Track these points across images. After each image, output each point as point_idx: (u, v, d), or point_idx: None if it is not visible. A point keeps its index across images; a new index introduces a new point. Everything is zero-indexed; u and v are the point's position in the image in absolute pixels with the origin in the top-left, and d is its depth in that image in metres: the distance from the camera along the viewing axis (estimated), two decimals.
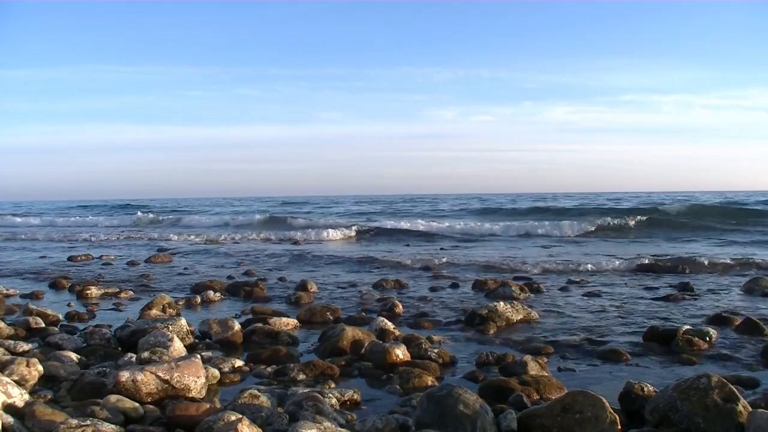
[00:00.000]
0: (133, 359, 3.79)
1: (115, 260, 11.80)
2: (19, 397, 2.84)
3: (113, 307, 6.61)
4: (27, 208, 45.94)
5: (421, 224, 19.63)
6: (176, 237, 17.75)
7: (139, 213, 28.49)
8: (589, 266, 9.38)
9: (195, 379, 3.24)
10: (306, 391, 3.14)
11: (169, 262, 11.31)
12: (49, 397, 3.20)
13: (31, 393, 3.10)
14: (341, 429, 2.60)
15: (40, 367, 3.43)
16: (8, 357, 3.56)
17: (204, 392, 3.30)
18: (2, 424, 2.54)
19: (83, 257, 12.05)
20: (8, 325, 4.88)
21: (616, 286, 7.60)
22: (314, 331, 5.21)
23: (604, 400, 2.70)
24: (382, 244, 15.19)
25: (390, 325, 4.99)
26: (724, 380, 2.80)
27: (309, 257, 11.56)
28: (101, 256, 12.46)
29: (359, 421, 2.81)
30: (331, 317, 5.78)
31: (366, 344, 4.34)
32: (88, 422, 2.50)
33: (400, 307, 6.11)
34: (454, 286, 7.91)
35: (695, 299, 6.64)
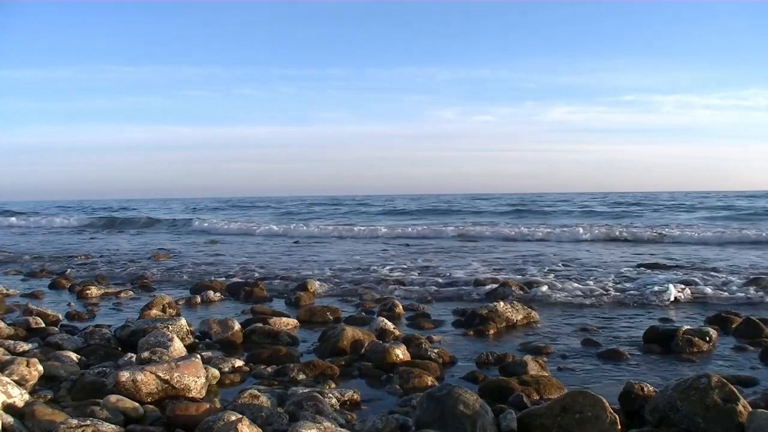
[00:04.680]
0: (133, 359, 3.79)
1: (115, 259, 11.80)
2: (19, 397, 2.84)
3: (113, 307, 6.61)
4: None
5: None
6: None
7: None
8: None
9: (195, 379, 3.24)
10: (306, 391, 3.13)
11: (169, 262, 11.30)
12: (49, 397, 3.20)
13: (31, 393, 3.10)
14: (341, 429, 2.60)
15: (40, 367, 3.43)
16: (8, 357, 3.55)
17: (204, 392, 3.30)
18: (2, 424, 2.54)
19: (83, 256, 12.06)
20: (8, 325, 4.87)
21: (616, 286, 7.59)
22: (314, 331, 5.21)
23: (604, 400, 2.70)
24: None
25: (390, 325, 5.00)
26: (724, 380, 2.80)
27: None
28: (102, 255, 12.46)
29: (359, 421, 2.81)
30: (331, 317, 5.78)
31: (366, 344, 4.34)
32: (88, 422, 2.50)
33: (400, 307, 6.11)
34: (455, 285, 7.91)
35: (695, 298, 6.64)
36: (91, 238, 19.00)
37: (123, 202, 62.03)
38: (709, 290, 6.96)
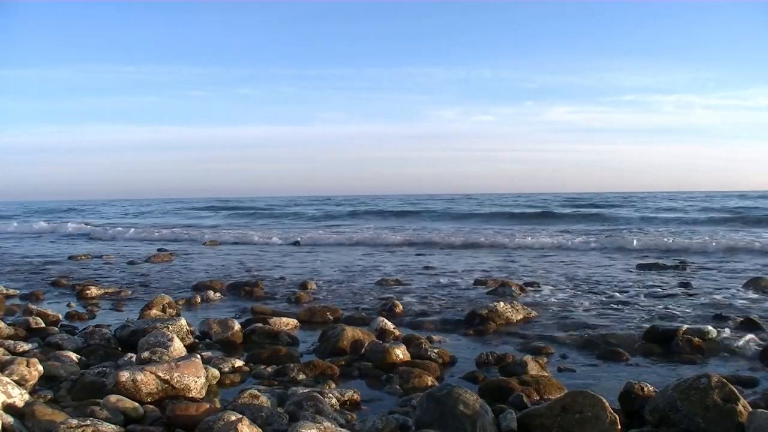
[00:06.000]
0: (133, 359, 3.79)
1: (115, 259, 11.80)
2: (19, 397, 2.84)
3: (113, 307, 6.61)
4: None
5: None
6: None
7: None
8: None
9: (195, 379, 3.24)
10: (306, 391, 3.14)
11: (169, 262, 11.31)
12: (49, 397, 3.20)
13: (31, 393, 3.10)
14: (341, 429, 2.60)
15: (40, 367, 3.43)
16: (8, 357, 3.56)
17: (204, 392, 3.30)
18: (2, 424, 2.54)
19: (84, 256, 12.06)
20: (8, 325, 4.87)
21: (616, 286, 7.60)
22: (314, 331, 5.21)
23: (604, 400, 2.70)
24: None
25: (390, 325, 5.00)
26: (724, 380, 2.80)
27: None
28: (102, 255, 12.47)
29: (359, 421, 2.81)
30: (331, 317, 5.78)
31: (366, 344, 4.34)
32: (88, 422, 2.50)
33: (400, 307, 6.11)
34: (455, 285, 7.91)
35: (695, 298, 6.64)
36: None
37: (118, 203, 61.98)
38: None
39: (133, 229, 20.68)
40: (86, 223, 24.98)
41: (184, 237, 18.36)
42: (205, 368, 3.49)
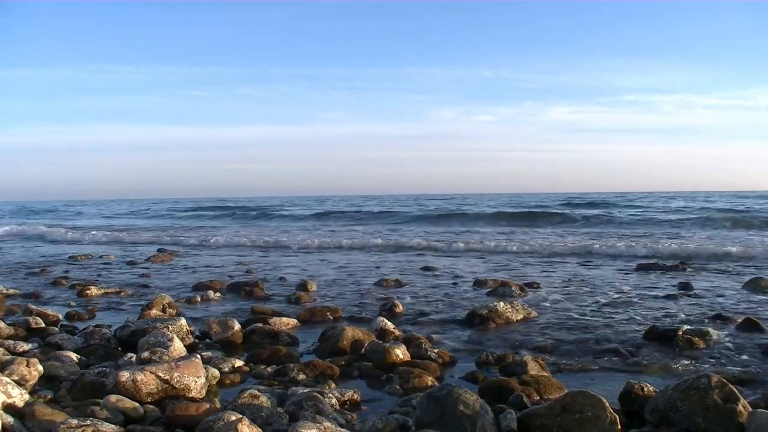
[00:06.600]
0: (133, 359, 3.79)
1: (114, 259, 11.80)
2: (19, 397, 2.84)
3: (113, 307, 6.61)
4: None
5: None
6: None
7: None
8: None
9: (195, 379, 3.24)
10: (306, 391, 3.14)
11: (169, 262, 11.31)
12: (49, 397, 3.20)
13: (31, 393, 3.10)
14: (341, 429, 2.60)
15: (40, 367, 3.43)
16: (8, 357, 3.56)
17: (204, 392, 3.30)
18: (2, 424, 2.54)
19: (84, 256, 12.06)
20: (8, 325, 4.87)
21: (615, 286, 7.60)
22: (314, 331, 5.21)
23: (604, 400, 2.70)
24: None
25: (390, 325, 5.00)
26: (724, 380, 2.80)
27: None
28: (101, 255, 12.47)
29: (359, 421, 2.82)
30: (331, 317, 5.78)
31: (366, 344, 4.34)
32: (88, 422, 2.50)
33: (401, 306, 6.11)
34: (455, 285, 7.92)
35: (695, 299, 6.65)
36: None
37: (116, 203, 62.02)
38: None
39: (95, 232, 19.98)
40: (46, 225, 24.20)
41: (166, 240, 17.30)
42: (205, 368, 3.49)
